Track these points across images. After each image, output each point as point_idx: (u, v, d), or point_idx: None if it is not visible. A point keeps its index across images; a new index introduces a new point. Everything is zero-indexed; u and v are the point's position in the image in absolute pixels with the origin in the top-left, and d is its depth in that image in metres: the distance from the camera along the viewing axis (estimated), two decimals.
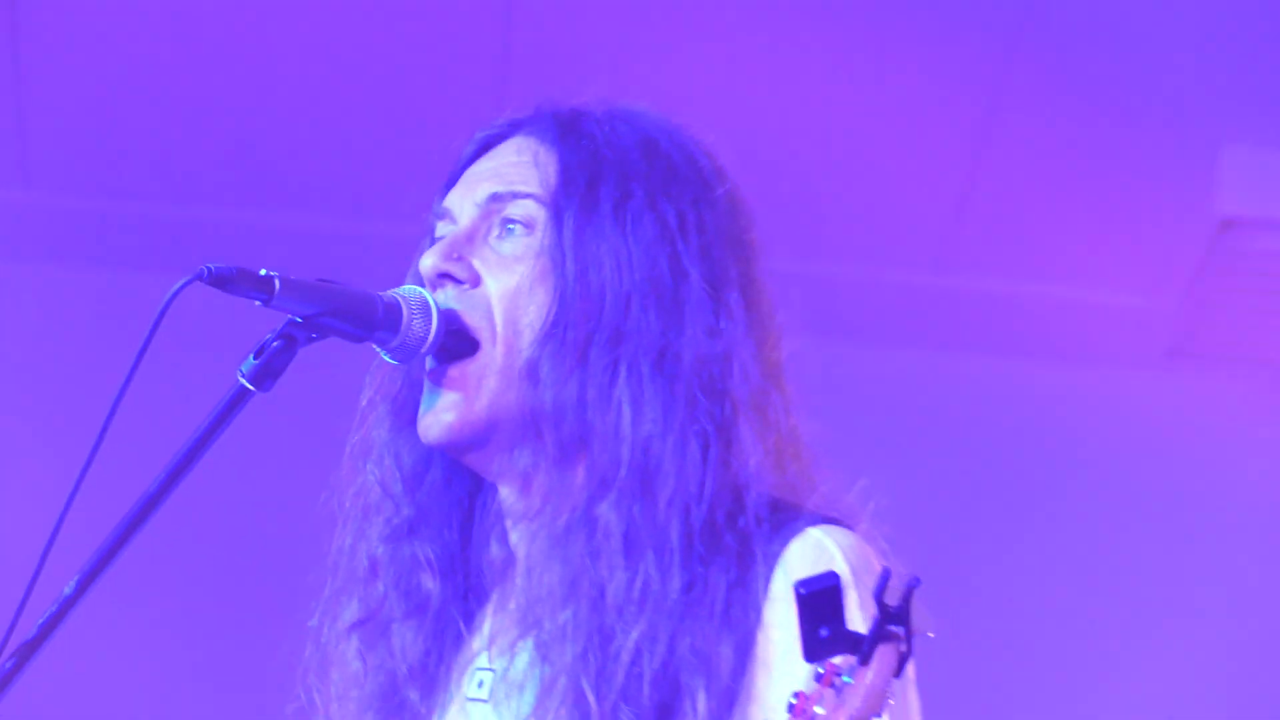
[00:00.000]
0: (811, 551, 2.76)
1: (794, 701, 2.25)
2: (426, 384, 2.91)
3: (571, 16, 6.34)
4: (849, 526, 2.82)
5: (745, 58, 6.38)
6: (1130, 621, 7.21)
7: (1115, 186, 6.61)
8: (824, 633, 2.23)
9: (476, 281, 2.92)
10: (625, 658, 2.85)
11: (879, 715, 2.23)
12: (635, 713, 2.80)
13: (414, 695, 3.00)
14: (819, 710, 2.25)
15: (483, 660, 2.96)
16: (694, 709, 2.75)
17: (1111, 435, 7.06)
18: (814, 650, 2.22)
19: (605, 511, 2.90)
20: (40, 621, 2.66)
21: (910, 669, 2.54)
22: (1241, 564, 7.13)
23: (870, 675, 2.23)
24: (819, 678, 2.24)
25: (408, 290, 2.93)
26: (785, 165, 5.91)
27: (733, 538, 2.87)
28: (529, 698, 2.87)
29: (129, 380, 2.76)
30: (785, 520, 2.84)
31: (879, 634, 2.22)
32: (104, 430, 2.75)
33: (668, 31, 6.33)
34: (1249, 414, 7.19)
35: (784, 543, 2.78)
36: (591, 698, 2.82)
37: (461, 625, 3.04)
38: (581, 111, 3.06)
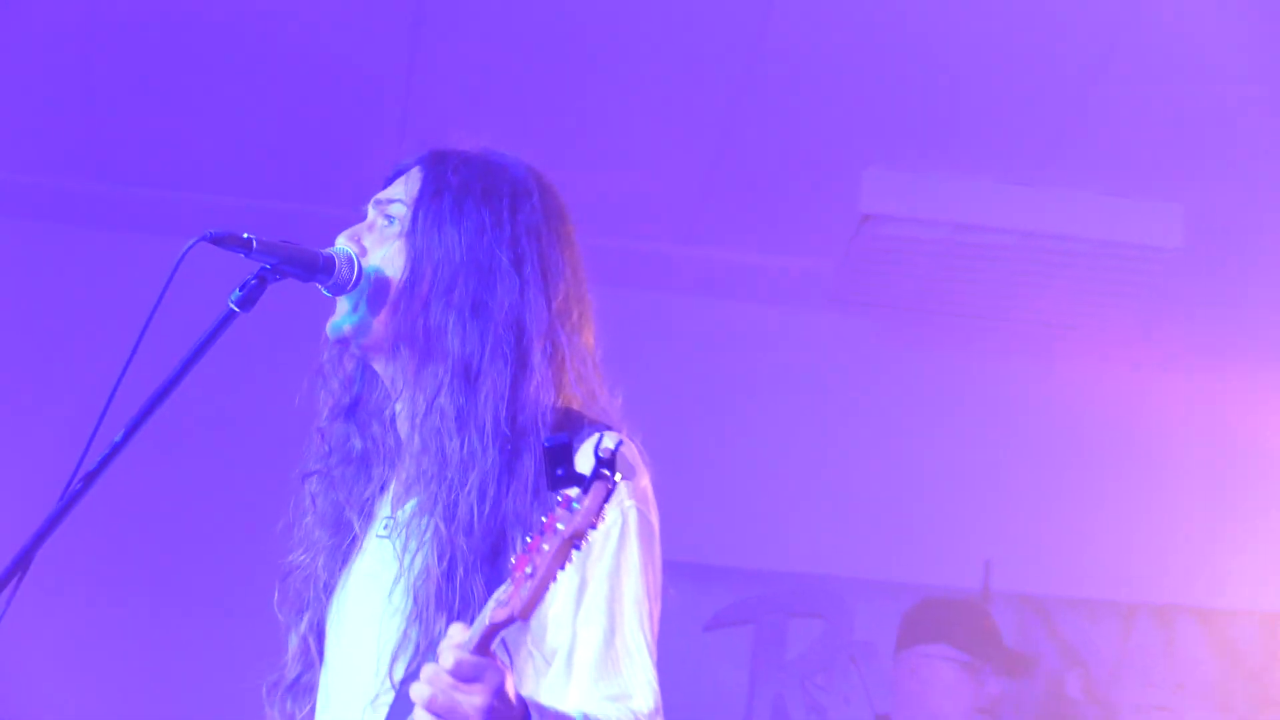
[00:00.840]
0: (587, 441, 3.35)
1: (544, 520, 2.95)
2: (342, 300, 3.56)
3: (457, 86, 6.50)
4: (616, 429, 3.42)
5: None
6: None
7: (799, 186, 7.04)
8: (559, 471, 2.94)
9: (363, 253, 3.55)
10: (464, 504, 3.39)
11: (594, 528, 2.92)
12: (472, 545, 3.35)
13: (353, 518, 3.61)
14: (560, 525, 2.92)
15: (386, 510, 3.56)
16: (514, 548, 3.30)
17: (790, 351, 7.72)
18: (553, 483, 2.94)
19: (444, 400, 3.45)
20: (94, 464, 3.34)
21: (652, 523, 3.43)
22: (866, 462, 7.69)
23: (588, 500, 2.91)
24: (560, 502, 2.94)
25: (340, 248, 3.56)
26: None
27: (536, 432, 3.46)
28: (410, 533, 3.47)
29: (149, 320, 3.43)
30: (575, 427, 3.44)
31: (594, 476, 2.92)
32: (131, 355, 3.40)
33: (534, 92, 6.57)
34: (885, 343, 7.81)
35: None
36: (443, 530, 3.38)
37: (374, 488, 3.65)
38: (445, 150, 3.64)
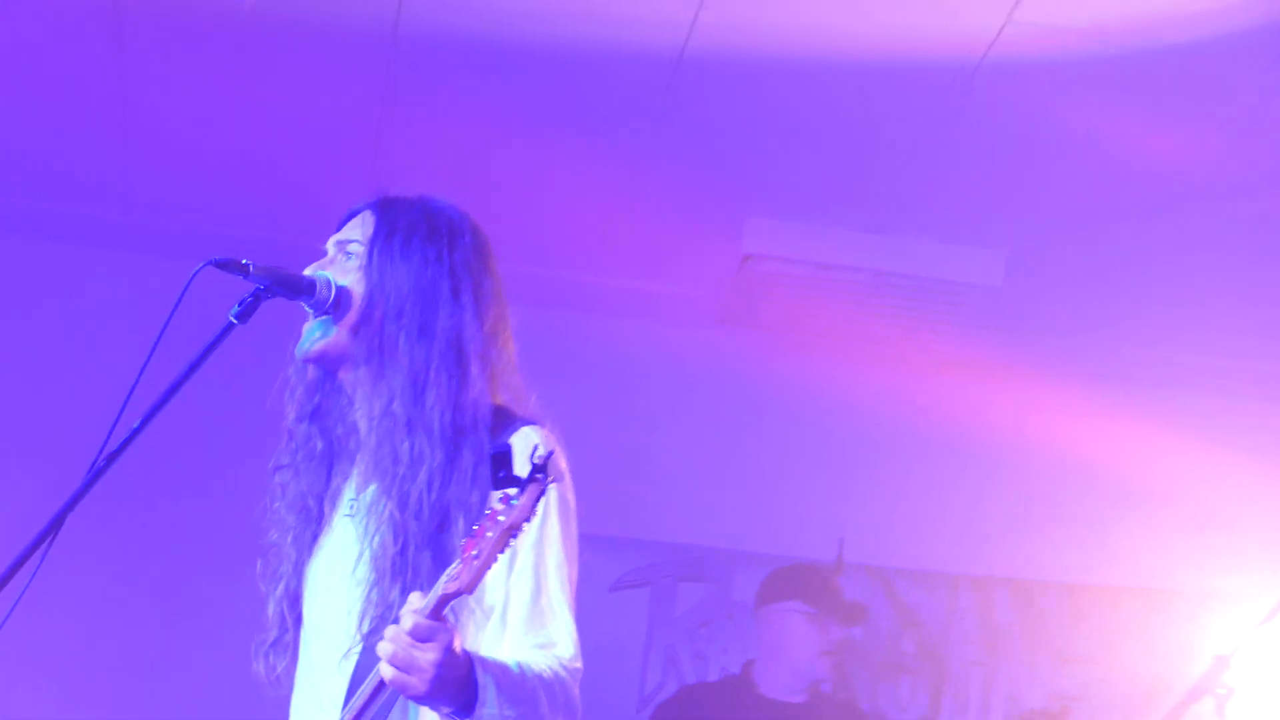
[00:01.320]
0: (523, 439, 3.35)
1: (488, 512, 3.05)
2: (314, 320, 3.57)
3: (416, 144, 6.40)
4: (540, 424, 3.48)
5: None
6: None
7: (693, 230, 6.98)
8: (501, 474, 3.03)
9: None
10: (414, 493, 3.42)
11: (529, 521, 3.04)
12: (421, 526, 3.38)
13: (313, 505, 3.63)
14: (501, 518, 3.02)
15: (351, 494, 3.58)
16: (456, 526, 3.36)
17: (683, 362, 7.66)
18: (497, 483, 3.03)
19: (397, 407, 3.48)
20: (116, 445, 3.39)
21: (569, 502, 3.50)
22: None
23: (524, 499, 3.02)
24: (501, 499, 3.03)
25: (320, 275, 3.56)
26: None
27: (474, 431, 3.47)
28: (370, 515, 3.47)
29: (164, 328, 3.47)
30: (507, 421, 3.47)
31: (529, 479, 3.02)
32: (142, 368, 3.45)
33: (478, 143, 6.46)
34: (761, 357, 7.68)
35: (508, 435, 3.41)
36: (397, 514, 3.41)
37: (339, 477, 3.63)
38: (392, 198, 3.69)
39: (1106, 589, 7.87)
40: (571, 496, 3.46)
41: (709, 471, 7.60)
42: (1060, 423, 7.77)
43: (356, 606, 3.40)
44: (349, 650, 3.38)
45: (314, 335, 3.53)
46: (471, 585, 3.03)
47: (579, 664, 3.37)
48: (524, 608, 3.37)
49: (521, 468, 3.03)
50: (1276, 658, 6.67)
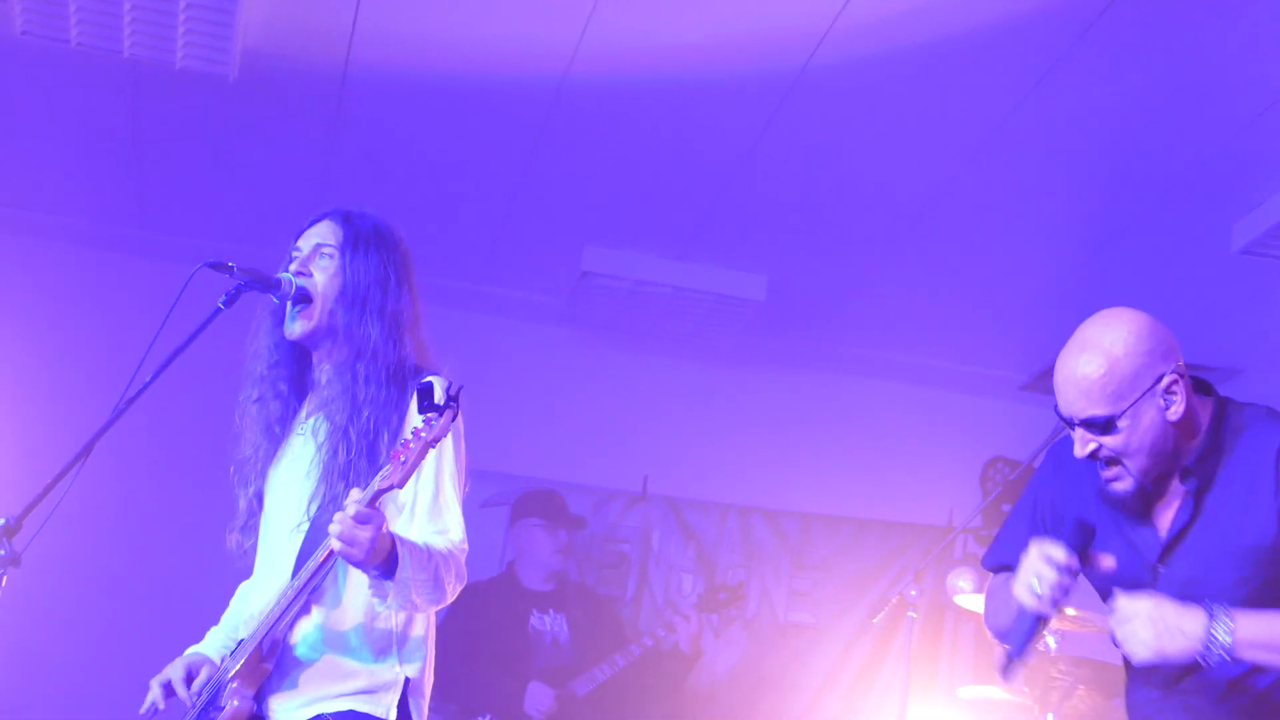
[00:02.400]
0: (439, 381, 3.30)
1: (415, 429, 3.16)
2: (291, 310, 3.53)
3: (357, 173, 6.18)
4: (440, 373, 3.45)
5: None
6: None
7: (545, 251, 6.85)
8: (425, 403, 3.14)
9: (309, 276, 3.53)
10: (358, 419, 3.42)
11: (444, 436, 3.16)
12: (360, 440, 3.39)
13: (277, 429, 3.60)
14: (424, 433, 3.13)
15: (306, 421, 3.57)
16: (383, 441, 3.35)
17: (534, 349, 7.51)
18: (422, 409, 3.15)
19: (358, 365, 3.47)
20: (134, 393, 3.35)
21: (460, 435, 3.43)
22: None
23: (442, 421, 3.14)
24: (424, 420, 3.16)
25: (285, 275, 3.52)
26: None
27: (403, 379, 3.44)
28: (322, 433, 3.48)
29: (167, 318, 3.43)
30: (424, 370, 3.45)
31: (445, 406, 3.14)
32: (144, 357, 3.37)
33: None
34: (595, 346, 7.54)
35: (424, 376, 3.37)
36: (343, 433, 3.41)
37: (297, 410, 3.61)
38: (349, 211, 3.63)
39: (831, 517, 7.82)
40: (462, 433, 3.47)
41: (552, 426, 7.55)
42: (803, 400, 7.81)
43: (306, 497, 3.45)
44: (299, 524, 3.44)
45: (294, 321, 3.54)
46: (402, 481, 3.16)
47: (465, 545, 3.44)
48: (427, 504, 3.42)
49: (439, 398, 3.16)
50: (952, 568, 6.90)
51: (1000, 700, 6.62)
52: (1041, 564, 3.03)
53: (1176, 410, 3.10)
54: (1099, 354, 3.08)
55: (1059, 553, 3.02)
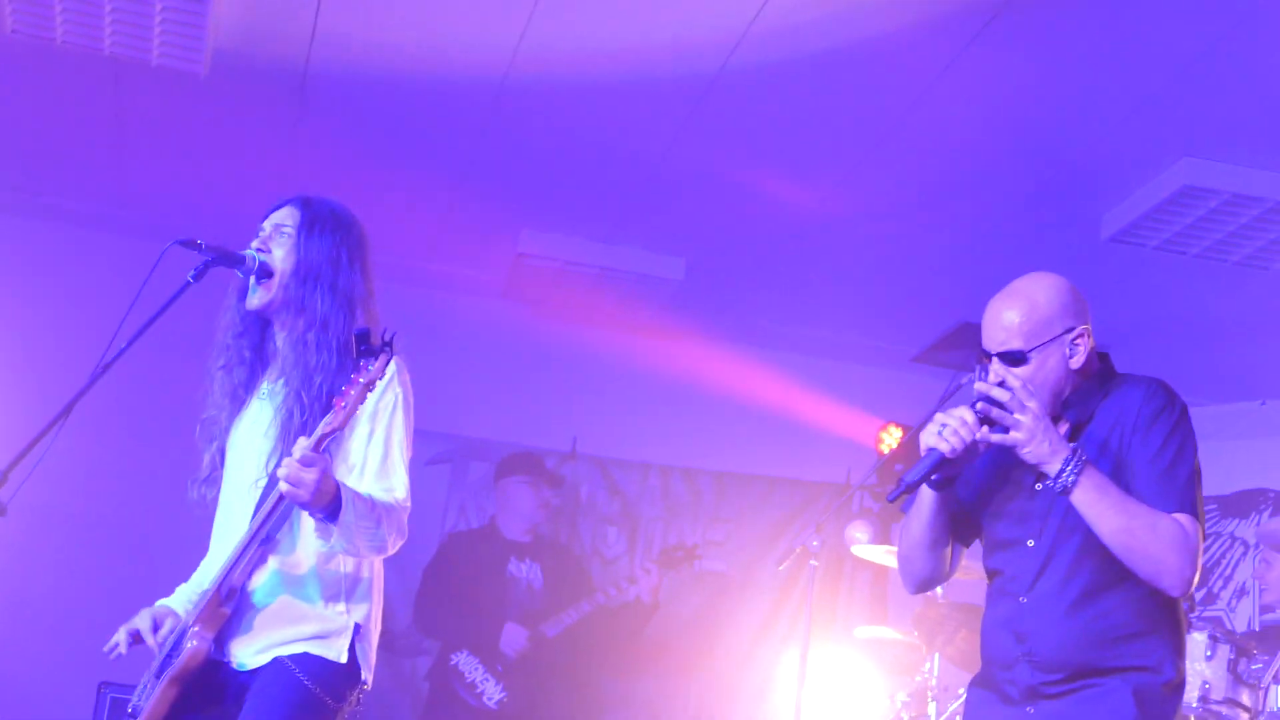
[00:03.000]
0: (370, 330, 3.20)
1: (353, 376, 3.11)
2: (253, 283, 3.49)
3: (320, 160, 6.09)
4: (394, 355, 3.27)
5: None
6: None
7: (485, 235, 6.82)
8: (363, 347, 3.11)
9: (269, 253, 3.49)
10: (313, 384, 3.38)
11: (380, 378, 3.13)
12: (313, 401, 3.35)
13: (241, 393, 3.56)
14: (361, 379, 3.10)
15: (267, 386, 3.53)
16: (343, 403, 3.16)
17: (474, 324, 7.48)
18: (359, 354, 3.11)
19: (310, 335, 3.42)
20: (110, 359, 3.31)
21: (410, 401, 3.39)
22: None
23: (377, 363, 3.11)
24: (361, 364, 3.11)
25: (249, 252, 3.49)
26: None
27: (350, 347, 3.32)
28: (280, 396, 3.44)
29: (135, 299, 3.37)
30: (381, 351, 3.21)
31: (380, 350, 3.10)
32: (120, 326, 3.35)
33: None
34: (531, 319, 7.46)
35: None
36: (300, 396, 3.38)
37: (259, 377, 3.56)
38: (309, 197, 3.58)
39: (743, 475, 7.86)
40: (411, 398, 3.45)
41: (490, 391, 7.55)
42: (718, 370, 7.78)
43: (265, 454, 3.42)
44: (258, 479, 3.41)
45: (255, 293, 3.50)
46: (342, 425, 3.13)
47: (409, 504, 3.41)
48: (376, 464, 3.39)
49: (375, 340, 3.15)
50: (849, 521, 6.96)
51: (891, 640, 6.77)
52: (948, 414, 3.20)
53: (1078, 360, 3.29)
54: (1023, 299, 3.30)
55: (968, 414, 3.19)
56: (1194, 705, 4.93)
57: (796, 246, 6.75)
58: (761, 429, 7.81)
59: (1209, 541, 7.35)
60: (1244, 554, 7.31)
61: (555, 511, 7.26)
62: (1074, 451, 3.14)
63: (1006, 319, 3.28)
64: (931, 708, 6.28)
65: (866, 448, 7.76)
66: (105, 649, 3.46)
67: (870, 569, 7.64)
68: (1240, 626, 7.06)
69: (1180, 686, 3.21)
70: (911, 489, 3.23)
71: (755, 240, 6.76)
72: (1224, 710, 4.94)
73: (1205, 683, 4.91)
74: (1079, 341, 3.29)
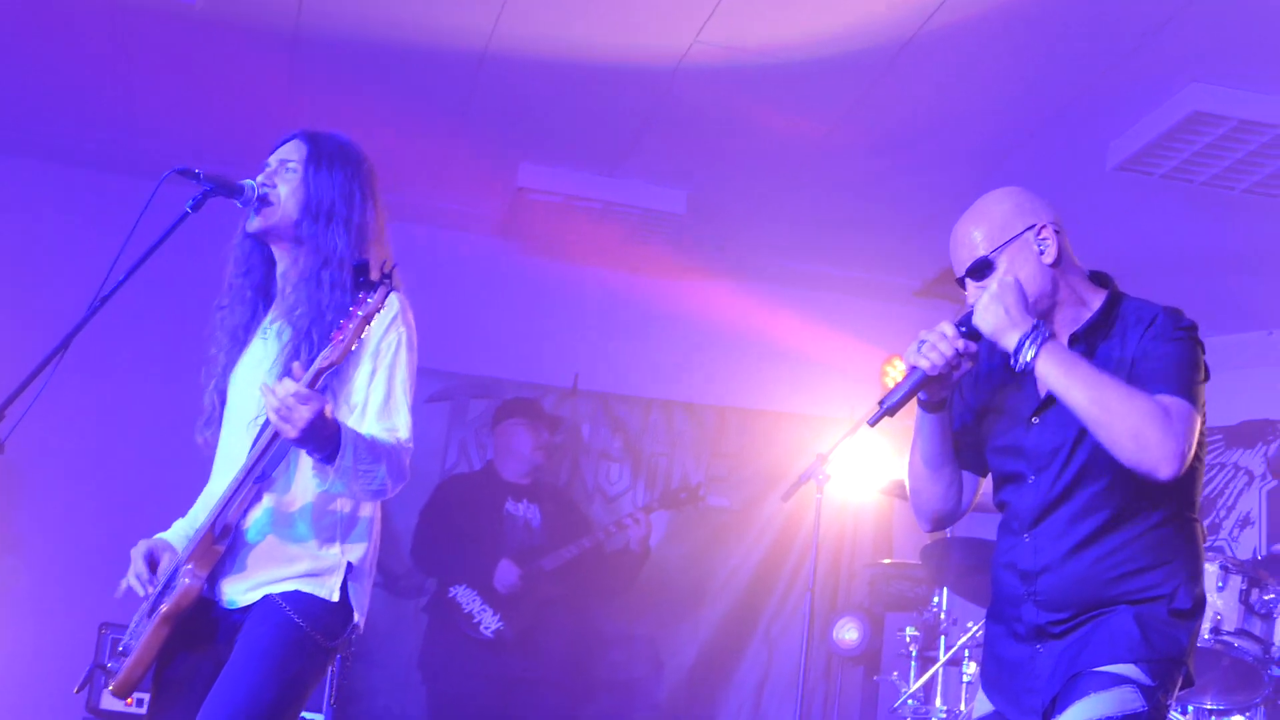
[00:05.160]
0: (369, 262, 3.18)
1: (350, 309, 3.06)
2: (254, 210, 3.44)
3: (322, 92, 6.06)
4: (396, 290, 3.33)
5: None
6: None
7: (487, 169, 6.74)
8: (361, 280, 3.05)
9: (274, 188, 3.45)
10: (318, 324, 3.31)
11: (379, 311, 3.06)
12: (319, 339, 3.27)
13: (242, 334, 3.53)
14: (360, 312, 3.03)
15: (269, 325, 3.50)
16: (341, 335, 3.09)
17: (473, 259, 7.53)
18: (358, 286, 3.06)
19: (325, 274, 3.38)
20: (107, 292, 3.28)
21: (414, 341, 3.35)
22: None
23: (376, 296, 3.04)
24: (360, 296, 3.05)
25: (247, 182, 3.44)
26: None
27: (358, 284, 3.19)
28: (283, 335, 3.40)
29: (133, 230, 3.32)
30: (380, 284, 3.16)
31: (379, 283, 3.04)
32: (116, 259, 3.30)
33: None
34: (528, 253, 7.53)
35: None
36: (302, 335, 3.33)
37: (261, 315, 3.53)
38: (316, 132, 3.55)
39: (746, 410, 7.87)
40: (415, 338, 3.41)
41: (491, 328, 7.54)
42: (722, 304, 7.82)
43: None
44: (256, 417, 3.35)
45: (253, 218, 3.45)
46: (339, 359, 3.07)
47: (411, 445, 3.36)
48: (378, 404, 3.34)
49: (375, 274, 3.10)
50: (854, 456, 6.86)
51: (895, 573, 6.82)
52: (931, 331, 3.18)
53: (1050, 255, 3.21)
54: (974, 213, 3.29)
55: (947, 327, 3.17)
56: (1205, 637, 4.90)
57: (798, 181, 6.71)
58: (765, 363, 7.82)
59: (1212, 472, 7.32)
60: (1248, 484, 7.34)
61: (555, 451, 7.29)
62: (1035, 327, 3.09)
63: (965, 237, 3.26)
64: (941, 640, 6.32)
65: (870, 382, 7.72)
66: (118, 594, 3.42)
67: (875, 502, 7.66)
68: (1244, 556, 6.96)
69: (1193, 614, 3.12)
70: (892, 411, 3.17)
71: (756, 174, 6.71)
72: (1236, 642, 4.92)
73: (1217, 614, 4.89)
74: (1045, 236, 3.22)
